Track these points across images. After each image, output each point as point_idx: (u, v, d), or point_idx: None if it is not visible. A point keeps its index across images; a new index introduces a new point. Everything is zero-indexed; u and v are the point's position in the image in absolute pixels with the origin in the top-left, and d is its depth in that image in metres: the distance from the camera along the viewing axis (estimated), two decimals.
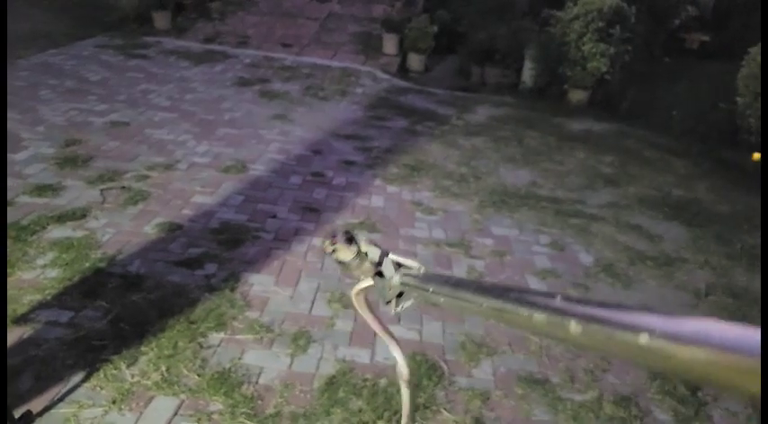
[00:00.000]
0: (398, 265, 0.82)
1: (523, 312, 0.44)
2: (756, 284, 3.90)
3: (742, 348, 0.27)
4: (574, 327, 0.37)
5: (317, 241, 3.61)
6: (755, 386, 0.26)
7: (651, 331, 0.32)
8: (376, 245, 0.85)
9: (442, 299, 0.64)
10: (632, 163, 5.96)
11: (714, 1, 11.36)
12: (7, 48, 4.45)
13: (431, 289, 0.67)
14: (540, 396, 2.55)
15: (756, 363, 0.26)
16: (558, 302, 0.41)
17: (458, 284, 0.62)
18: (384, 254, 0.84)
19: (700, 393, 2.73)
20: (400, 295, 0.81)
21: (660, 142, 6.77)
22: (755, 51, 6.47)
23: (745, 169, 6.19)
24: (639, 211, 4.80)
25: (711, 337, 0.29)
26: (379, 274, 0.84)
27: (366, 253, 0.85)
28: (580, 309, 0.39)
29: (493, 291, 0.52)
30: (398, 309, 0.83)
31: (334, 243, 0.87)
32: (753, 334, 0.28)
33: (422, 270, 0.78)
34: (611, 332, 0.35)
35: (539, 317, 0.42)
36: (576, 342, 0.38)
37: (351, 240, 0.86)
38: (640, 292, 3.58)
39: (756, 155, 6.33)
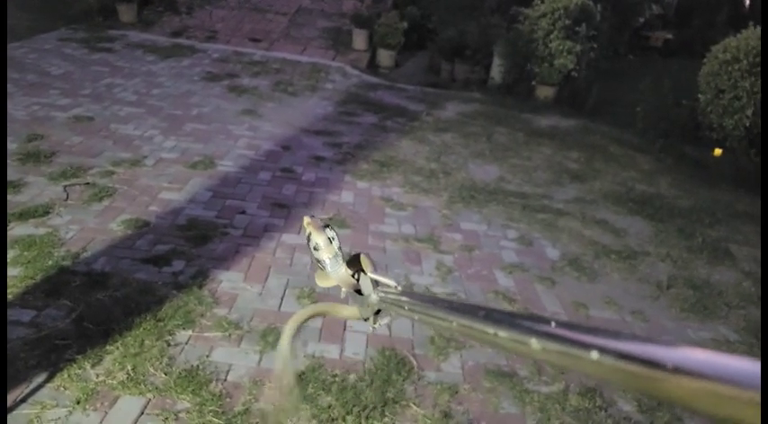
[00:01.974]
0: (376, 283, 0.85)
1: (489, 329, 0.48)
2: (716, 276, 4.03)
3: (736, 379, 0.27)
4: (534, 344, 0.41)
5: (286, 237, 3.59)
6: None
7: (601, 348, 0.34)
8: (356, 261, 0.89)
9: (416, 316, 0.67)
10: (597, 158, 6.08)
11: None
12: None
13: (406, 307, 0.71)
14: (508, 389, 2.59)
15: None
16: (522, 321, 0.45)
17: (432, 302, 0.66)
18: (362, 272, 0.87)
19: None
20: (378, 312, 0.85)
21: (624, 138, 6.92)
22: (717, 49, 6.65)
23: (707, 164, 6.37)
24: (604, 206, 4.90)
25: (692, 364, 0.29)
26: (358, 292, 0.88)
27: (331, 240, 0.90)
28: (543, 328, 0.42)
29: (463, 309, 0.55)
30: (376, 326, 0.87)
31: (311, 224, 0.90)
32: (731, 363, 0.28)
33: (398, 288, 0.81)
34: (566, 349, 0.38)
35: (502, 335, 0.46)
36: (538, 358, 0.42)
37: (326, 227, 0.91)
38: (605, 285, 3.66)
39: (718, 151, 6.53)
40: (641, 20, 10.06)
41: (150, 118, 5.23)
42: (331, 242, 0.89)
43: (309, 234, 0.90)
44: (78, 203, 3.57)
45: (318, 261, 0.90)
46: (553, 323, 0.41)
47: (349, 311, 0.93)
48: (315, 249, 0.89)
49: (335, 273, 0.89)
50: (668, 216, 4.88)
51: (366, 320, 0.87)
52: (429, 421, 2.33)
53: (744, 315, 3.60)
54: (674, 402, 0.30)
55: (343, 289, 0.91)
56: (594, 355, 0.35)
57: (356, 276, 0.88)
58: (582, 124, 7.22)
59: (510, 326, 0.45)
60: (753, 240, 4.75)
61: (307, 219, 0.92)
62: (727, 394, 0.27)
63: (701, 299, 3.68)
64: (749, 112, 6.23)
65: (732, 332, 3.40)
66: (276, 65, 7.88)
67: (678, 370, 0.29)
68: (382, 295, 0.82)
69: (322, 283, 0.95)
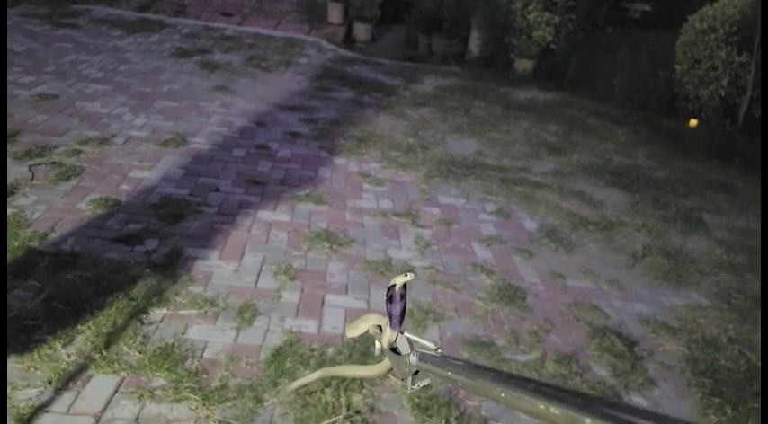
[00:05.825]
0: (411, 344, 0.88)
1: (540, 404, 0.48)
2: (690, 244, 4.08)
3: None
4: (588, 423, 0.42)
5: (262, 214, 3.54)
6: None
7: None
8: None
9: (460, 382, 0.69)
10: (575, 131, 6.09)
11: None
12: None
13: (449, 373, 0.72)
14: (486, 358, 2.60)
15: None
16: (574, 399, 0.46)
17: (475, 370, 0.66)
18: (400, 332, 0.91)
19: (636, 349, 2.85)
20: (416, 373, 0.86)
21: (602, 110, 6.94)
22: (694, 18, 6.65)
23: (682, 135, 6.42)
24: (582, 178, 4.92)
25: None
26: (394, 350, 0.91)
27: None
28: (597, 408, 0.42)
29: (509, 380, 0.56)
30: (415, 387, 0.88)
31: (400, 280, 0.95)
32: None
33: (439, 351, 0.82)
34: None
35: (555, 411, 0.46)
36: None
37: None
38: (582, 255, 3.69)
39: (693, 122, 6.58)
40: None
41: (118, 95, 5.08)
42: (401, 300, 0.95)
43: (394, 285, 0.93)
44: (45, 183, 3.47)
45: (388, 312, 0.95)
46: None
47: (367, 370, 1.01)
48: (390, 300, 0.94)
49: (393, 330, 0.93)
50: (644, 187, 4.92)
51: (402, 380, 0.88)
52: (407, 392, 2.34)
53: (716, 282, 3.66)
54: None
55: (378, 345, 0.95)
56: None
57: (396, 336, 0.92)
58: (560, 97, 7.21)
59: (563, 403, 0.46)
60: (725, 208, 4.82)
61: (412, 275, 0.94)
62: None
63: (674, 267, 3.73)
64: (724, 82, 6.27)
65: (704, 298, 3.45)
66: (249, 40, 7.71)
67: None
68: (422, 357, 0.83)
69: (351, 333, 1.07)
